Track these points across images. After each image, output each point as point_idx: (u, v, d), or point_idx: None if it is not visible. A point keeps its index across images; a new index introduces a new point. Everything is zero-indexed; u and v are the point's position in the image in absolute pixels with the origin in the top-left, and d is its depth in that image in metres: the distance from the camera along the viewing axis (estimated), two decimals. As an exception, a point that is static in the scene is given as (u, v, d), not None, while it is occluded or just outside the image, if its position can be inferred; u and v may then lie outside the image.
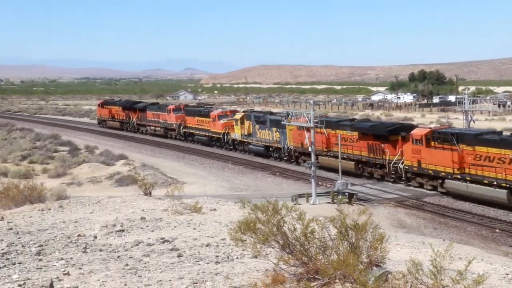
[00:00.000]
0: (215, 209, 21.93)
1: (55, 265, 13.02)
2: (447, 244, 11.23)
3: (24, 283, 11.40)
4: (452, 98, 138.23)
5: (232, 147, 65.88)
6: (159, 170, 52.54)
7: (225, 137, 66.53)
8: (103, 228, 17.70)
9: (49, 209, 21.74)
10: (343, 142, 47.06)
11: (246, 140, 62.77)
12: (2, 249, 14.68)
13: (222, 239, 15.40)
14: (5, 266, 13.00)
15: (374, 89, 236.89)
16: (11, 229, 17.59)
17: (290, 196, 38.83)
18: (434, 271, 9.50)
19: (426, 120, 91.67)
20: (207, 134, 70.47)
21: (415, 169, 42.37)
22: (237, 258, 13.45)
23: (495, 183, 36.23)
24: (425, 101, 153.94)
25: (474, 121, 50.69)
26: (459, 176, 38.59)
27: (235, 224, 11.55)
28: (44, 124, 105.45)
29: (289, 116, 45.89)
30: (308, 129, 41.97)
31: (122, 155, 61.27)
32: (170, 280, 11.53)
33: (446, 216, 35.76)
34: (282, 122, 49.27)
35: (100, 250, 14.63)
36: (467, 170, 38.37)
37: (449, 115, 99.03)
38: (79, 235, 16.53)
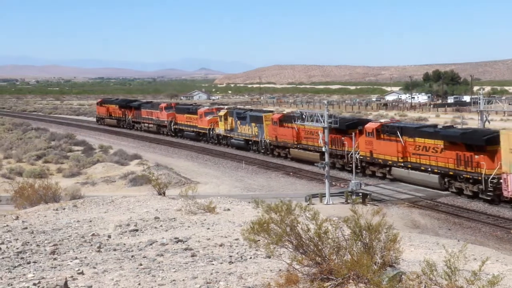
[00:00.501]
0: (228, 209, 21.94)
1: (69, 264, 13.08)
2: (461, 244, 11.19)
3: (39, 282, 11.46)
4: (467, 98, 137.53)
5: (216, 142, 71.51)
6: (173, 170, 52.70)
7: (211, 132, 72.35)
8: (117, 227, 17.76)
9: (64, 209, 21.84)
10: (310, 136, 53.85)
11: (229, 135, 68.71)
12: (17, 248, 14.77)
13: (236, 239, 15.41)
14: (20, 265, 13.08)
15: (388, 89, 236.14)
16: (26, 228, 17.70)
17: (303, 196, 38.82)
18: (448, 272, 9.46)
19: (440, 120, 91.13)
20: (194, 130, 76.31)
21: (368, 158, 48.15)
22: (250, 258, 13.44)
23: (429, 169, 41.96)
24: (440, 101, 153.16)
25: (489, 121, 50.47)
26: (402, 164, 44.51)
27: (248, 225, 11.55)
28: (59, 124, 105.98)
29: (303, 116, 45.89)
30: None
31: (136, 155, 61.51)
32: (183, 280, 11.55)
33: (461, 217, 35.60)
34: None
35: (114, 250, 14.68)
36: (408, 159, 44.26)
37: (464, 115, 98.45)
38: (93, 235, 16.60)
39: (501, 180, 36.14)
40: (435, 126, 47.39)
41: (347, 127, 49.70)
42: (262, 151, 62.68)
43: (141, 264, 12.90)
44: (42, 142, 71.38)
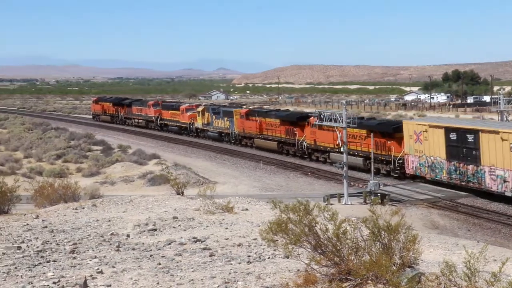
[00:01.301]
0: (247, 209, 21.95)
1: (88, 263, 13.16)
2: (481, 245, 11.11)
3: (59, 281, 11.53)
4: (486, 98, 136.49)
5: (196, 134, 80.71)
6: (191, 169, 52.83)
7: (191, 126, 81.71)
8: (136, 227, 17.82)
9: (83, 208, 21.97)
10: (270, 127, 64.22)
11: (206, 128, 78.15)
12: (37, 247, 14.88)
13: (254, 239, 15.41)
14: (40, 263, 13.17)
15: (407, 89, 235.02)
16: (46, 227, 17.82)
17: (322, 196, 38.76)
18: (468, 273, 9.39)
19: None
20: (177, 124, 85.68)
21: (312, 146, 57.25)
22: (268, 258, 13.43)
23: (356, 153, 50.55)
24: (459, 101, 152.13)
25: (509, 121, 50.08)
26: (337, 150, 51.27)
27: (266, 225, 11.55)
28: (78, 123, 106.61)
29: (321, 116, 45.90)
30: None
31: (155, 155, 61.76)
32: (202, 280, 11.57)
33: (480, 218, 35.35)
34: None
35: (133, 249, 14.73)
36: (340, 146, 47.23)
37: (484, 116, 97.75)
38: (112, 234, 16.67)
39: (406, 160, 46.11)
40: (361, 118, 55.64)
41: (297, 120, 60.10)
42: (232, 141, 72.10)
43: (159, 264, 12.95)
44: (62, 141, 71.83)
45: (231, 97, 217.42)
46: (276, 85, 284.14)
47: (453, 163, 41.88)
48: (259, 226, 16.48)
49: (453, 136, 42.05)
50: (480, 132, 39.94)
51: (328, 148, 54.33)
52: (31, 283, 11.50)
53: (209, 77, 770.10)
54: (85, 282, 11.20)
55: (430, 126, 44.26)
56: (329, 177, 49.98)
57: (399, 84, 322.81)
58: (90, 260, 13.43)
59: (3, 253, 14.20)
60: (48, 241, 15.60)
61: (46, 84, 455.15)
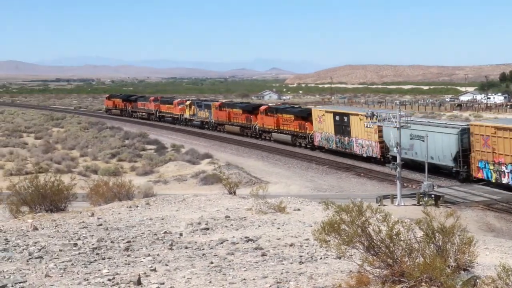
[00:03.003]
0: (299, 209, 21.88)
1: (142, 261, 13.30)
2: (539, 249, 10.84)
3: (113, 278, 11.70)
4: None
5: (185, 124, 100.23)
6: (243, 169, 53.00)
7: (181, 117, 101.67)
8: (189, 226, 17.94)
9: (137, 206, 22.22)
10: (236, 116, 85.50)
11: (192, 118, 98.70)
12: (93, 244, 15.11)
13: (306, 239, 15.35)
14: (95, 260, 13.38)
15: (463, 89, 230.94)
16: (101, 225, 18.08)
17: (374, 197, 38.42)
18: (525, 277, 9.17)
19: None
20: (171, 115, 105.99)
21: (262, 128, 77.90)
22: (320, 258, 13.36)
23: (287, 132, 71.47)
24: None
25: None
26: (276, 130, 73.78)
27: (319, 225, 11.49)
28: (132, 123, 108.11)
29: (374, 116, 45.56)
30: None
31: (207, 154, 62.18)
32: (254, 279, 11.58)
33: (538, 221, 34.54)
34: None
35: (186, 248, 14.83)
36: (280, 127, 73.16)
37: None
38: (165, 232, 16.81)
39: (314, 136, 66.09)
40: (292, 106, 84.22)
41: (253, 109, 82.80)
42: (211, 128, 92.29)
43: (212, 263, 13.01)
44: (117, 140, 72.99)
45: (284, 97, 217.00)
46: (329, 85, 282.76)
47: (338, 136, 61.71)
48: (311, 226, 16.41)
49: (337, 118, 61.77)
50: (350, 115, 60.20)
51: (271, 129, 75.22)
52: (87, 279, 11.69)
53: (262, 77, 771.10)
54: (139, 279, 11.33)
55: (326, 112, 65.47)
56: (382, 178, 49.52)
57: (455, 84, 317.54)
58: (144, 258, 13.58)
59: (60, 250, 14.48)
60: (103, 239, 15.84)
61: (102, 84, 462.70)
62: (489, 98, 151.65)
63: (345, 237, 10.86)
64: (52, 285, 11.31)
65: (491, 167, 43.43)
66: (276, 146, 70.89)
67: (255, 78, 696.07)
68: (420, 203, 37.56)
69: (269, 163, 60.20)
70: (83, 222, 18.66)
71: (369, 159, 57.09)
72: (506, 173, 42.06)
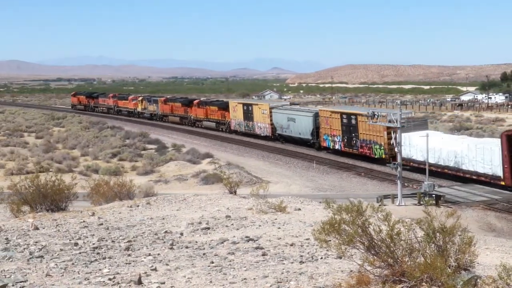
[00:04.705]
0: (299, 209, 21.90)
1: (143, 261, 13.31)
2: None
3: (114, 277, 11.70)
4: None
5: (137, 116, 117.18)
6: (244, 169, 52.97)
7: (135, 110, 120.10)
8: (189, 225, 17.95)
9: (137, 206, 22.23)
10: (176, 109, 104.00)
11: (143, 112, 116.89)
12: (93, 244, 15.12)
13: (307, 239, 15.35)
14: (96, 260, 13.38)
15: (464, 89, 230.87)
16: (101, 224, 18.09)
17: (375, 197, 38.43)
18: (526, 277, 9.17)
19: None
20: (127, 109, 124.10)
21: (196, 118, 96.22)
22: (321, 258, 13.37)
23: (213, 120, 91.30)
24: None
25: None
26: (205, 119, 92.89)
27: (319, 225, 11.49)
28: (133, 122, 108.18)
29: (375, 116, 45.58)
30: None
31: (208, 154, 62.16)
32: (254, 279, 11.58)
33: (539, 221, 34.53)
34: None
35: (186, 247, 14.84)
36: (208, 116, 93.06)
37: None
38: (166, 232, 16.83)
39: (230, 123, 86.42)
40: (217, 100, 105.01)
41: (189, 103, 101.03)
42: (158, 119, 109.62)
43: (212, 262, 13.01)
44: (117, 140, 73.02)
45: (285, 97, 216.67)
46: (330, 85, 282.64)
47: (245, 121, 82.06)
48: (312, 226, 16.41)
49: (245, 108, 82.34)
50: (253, 105, 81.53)
51: (202, 119, 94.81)
52: (88, 279, 11.70)
53: (263, 77, 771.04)
54: (139, 279, 11.33)
55: (238, 103, 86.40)
56: (383, 177, 49.52)
57: (456, 84, 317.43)
58: (145, 258, 13.59)
59: (61, 249, 14.49)
60: (104, 238, 15.85)
61: (103, 84, 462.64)
62: (490, 98, 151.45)
63: (345, 237, 10.86)
64: (52, 285, 11.32)
65: (330, 138, 63.67)
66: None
67: (256, 78, 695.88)
68: (421, 202, 37.55)
69: (270, 162, 60.19)
70: (84, 221, 18.67)
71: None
72: (337, 142, 62.37)
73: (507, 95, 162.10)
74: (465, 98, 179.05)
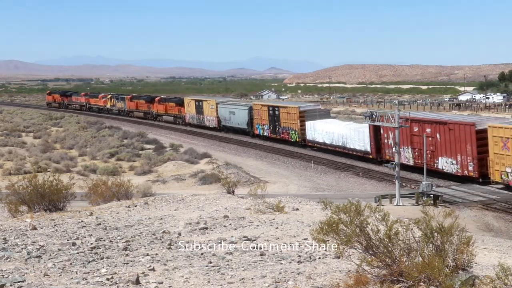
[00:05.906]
0: (297, 209, 21.90)
1: (141, 261, 13.30)
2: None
3: (112, 277, 11.69)
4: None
5: (107, 112, 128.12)
6: (242, 169, 52.95)
7: (104, 107, 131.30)
8: (187, 225, 17.95)
9: (135, 206, 22.22)
10: (141, 106, 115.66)
11: (112, 108, 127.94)
12: (91, 244, 15.11)
13: (305, 239, 15.36)
14: (94, 260, 13.37)
15: (462, 89, 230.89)
16: (99, 224, 18.08)
17: (373, 197, 38.44)
18: (524, 277, 9.18)
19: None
20: (97, 107, 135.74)
21: (158, 113, 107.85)
22: (319, 258, 13.37)
23: (171, 115, 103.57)
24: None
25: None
26: (165, 114, 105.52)
27: (317, 225, 11.49)
28: (131, 122, 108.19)
29: (373, 116, 45.62)
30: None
31: (206, 154, 62.13)
32: (252, 279, 11.58)
33: (537, 221, 34.56)
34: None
35: (184, 247, 14.84)
36: (167, 112, 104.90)
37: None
38: (164, 232, 16.82)
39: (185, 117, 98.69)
40: (175, 97, 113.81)
41: (151, 100, 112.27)
42: (124, 115, 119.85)
43: (210, 262, 13.01)
44: (115, 140, 73.00)
45: (282, 97, 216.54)
46: (327, 85, 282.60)
47: (197, 115, 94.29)
48: (310, 226, 16.42)
49: (196, 103, 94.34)
50: (203, 101, 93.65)
51: (162, 114, 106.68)
52: (85, 279, 11.69)
53: (261, 77, 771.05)
54: (137, 279, 11.33)
55: (190, 100, 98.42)
56: (380, 177, 49.54)
57: (453, 84, 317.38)
58: (142, 258, 13.58)
59: (59, 249, 14.47)
60: (102, 238, 15.84)
61: (101, 84, 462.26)
62: (488, 98, 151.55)
63: (343, 237, 10.86)
64: (50, 285, 11.31)
65: (261, 127, 77.23)
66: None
67: (254, 78, 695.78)
68: (419, 202, 37.59)
69: (268, 162, 60.19)
70: (82, 221, 18.65)
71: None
72: (265, 130, 76.08)
73: (505, 95, 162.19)
74: (463, 98, 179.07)
